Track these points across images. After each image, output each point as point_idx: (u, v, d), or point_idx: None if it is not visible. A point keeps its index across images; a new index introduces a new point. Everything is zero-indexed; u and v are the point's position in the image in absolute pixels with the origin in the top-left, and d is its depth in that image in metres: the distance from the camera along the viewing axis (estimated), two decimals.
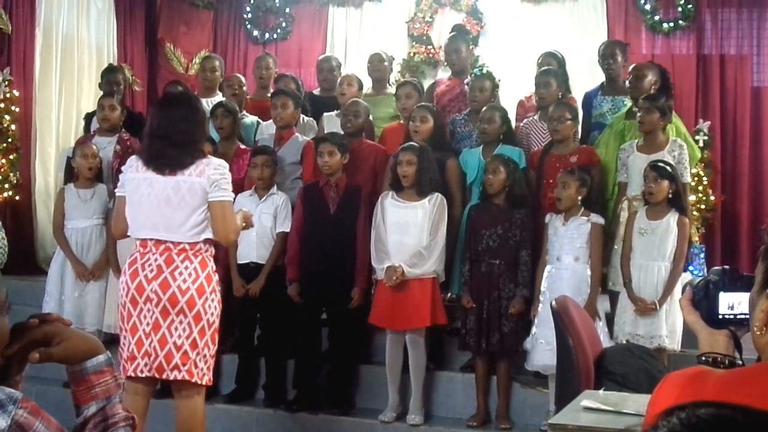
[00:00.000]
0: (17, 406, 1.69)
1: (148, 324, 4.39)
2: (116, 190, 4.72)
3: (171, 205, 4.40)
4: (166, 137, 4.43)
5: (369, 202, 6.03)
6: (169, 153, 4.40)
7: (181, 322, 4.37)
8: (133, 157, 4.65)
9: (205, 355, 4.45)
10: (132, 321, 4.43)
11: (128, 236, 4.58)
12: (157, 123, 4.51)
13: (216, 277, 4.53)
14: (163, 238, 4.41)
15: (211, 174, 4.40)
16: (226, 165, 4.61)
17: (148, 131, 4.63)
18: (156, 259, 4.40)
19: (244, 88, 7.69)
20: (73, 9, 8.98)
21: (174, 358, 4.37)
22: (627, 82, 6.39)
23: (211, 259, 4.53)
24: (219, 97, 7.78)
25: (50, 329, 1.88)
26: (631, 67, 6.46)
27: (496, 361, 5.83)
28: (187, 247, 4.41)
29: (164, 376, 4.43)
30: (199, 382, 4.46)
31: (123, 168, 4.69)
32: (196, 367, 4.42)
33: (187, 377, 4.41)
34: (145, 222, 4.45)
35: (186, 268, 4.38)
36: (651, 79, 6.20)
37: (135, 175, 4.49)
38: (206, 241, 4.48)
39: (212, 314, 4.45)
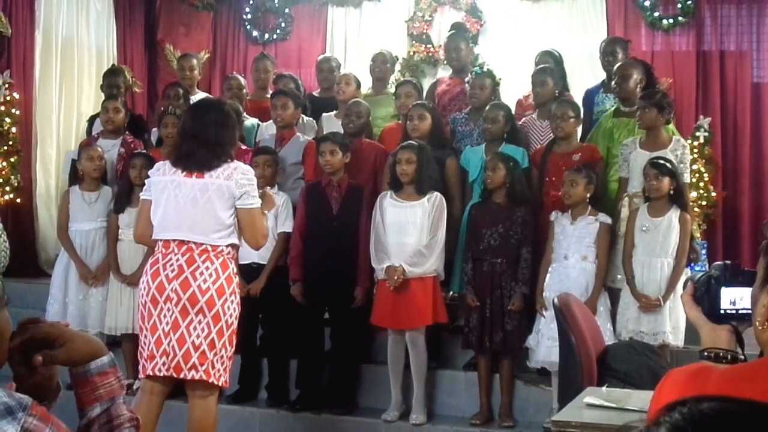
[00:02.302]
0: (27, 412, 1.67)
1: (167, 323, 4.41)
2: (141, 194, 4.75)
3: (197, 206, 4.45)
4: (196, 137, 4.52)
5: (371, 202, 6.02)
6: (199, 153, 4.49)
7: (200, 322, 4.39)
8: (160, 162, 4.73)
9: (222, 356, 4.47)
10: (152, 320, 4.45)
11: (150, 239, 4.61)
12: (189, 124, 4.63)
13: (236, 280, 4.57)
14: (186, 238, 4.45)
15: (239, 179, 4.47)
16: (253, 171, 4.69)
17: (180, 132, 4.80)
18: (177, 259, 4.43)
19: (244, 90, 7.70)
20: (73, 11, 8.98)
21: (192, 357, 4.39)
22: (613, 83, 6.37)
23: (233, 262, 4.56)
24: (199, 95, 7.79)
25: (52, 330, 1.87)
26: (615, 67, 6.43)
27: (499, 359, 5.83)
28: (209, 248, 4.45)
29: (182, 376, 4.44)
30: (216, 382, 4.48)
31: (149, 172, 4.75)
32: (213, 367, 4.43)
33: (204, 377, 4.43)
34: (170, 223, 4.49)
35: (207, 268, 4.42)
36: (636, 78, 6.19)
37: (162, 177, 4.55)
38: (229, 245, 4.52)
39: (231, 315, 4.48)
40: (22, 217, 8.29)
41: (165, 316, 4.42)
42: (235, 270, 4.59)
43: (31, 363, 1.83)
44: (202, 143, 4.49)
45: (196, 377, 4.43)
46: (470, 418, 5.83)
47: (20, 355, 1.84)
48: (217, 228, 4.47)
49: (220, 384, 4.52)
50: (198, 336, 4.40)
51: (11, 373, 1.87)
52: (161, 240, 4.52)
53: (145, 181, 4.81)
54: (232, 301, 4.49)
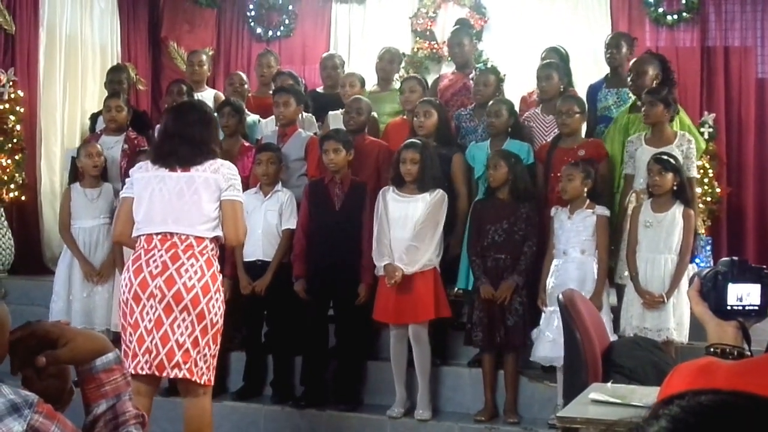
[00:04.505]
0: (33, 410, 1.67)
1: (150, 321, 4.36)
2: (122, 193, 4.71)
3: (183, 198, 4.42)
4: (178, 136, 4.49)
5: (373, 198, 6.02)
6: (181, 151, 4.46)
7: (184, 320, 4.34)
8: (142, 161, 4.68)
9: (205, 355, 4.41)
10: (134, 317, 4.40)
11: (130, 238, 4.55)
12: (171, 124, 4.60)
13: (221, 278, 4.53)
14: (171, 230, 4.40)
15: (225, 172, 4.47)
16: (236, 169, 4.67)
17: (162, 132, 4.74)
18: (161, 255, 4.38)
19: (246, 86, 7.70)
20: (77, 9, 8.99)
21: (175, 355, 4.34)
22: (629, 78, 6.37)
23: (216, 259, 4.52)
24: (208, 91, 7.85)
25: (54, 329, 1.86)
26: (631, 63, 6.44)
27: (503, 355, 5.83)
28: (194, 243, 4.40)
29: (164, 374, 4.41)
30: (198, 381, 4.42)
31: (130, 171, 4.71)
32: (196, 365, 4.39)
33: (187, 375, 4.39)
34: (155, 217, 4.44)
35: (192, 265, 4.37)
36: (652, 74, 6.19)
37: (145, 174, 4.51)
38: (213, 239, 4.48)
39: (216, 314, 4.43)
40: (26, 214, 8.31)
41: (147, 313, 4.36)
42: (219, 268, 4.54)
43: (35, 365, 1.82)
44: (186, 141, 4.47)
45: (179, 375, 4.40)
46: (475, 414, 5.82)
47: (24, 356, 1.83)
48: (203, 220, 4.42)
49: (203, 382, 4.46)
50: (182, 334, 4.34)
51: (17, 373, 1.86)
52: (143, 235, 4.46)
53: (126, 180, 4.77)
54: (217, 299, 4.43)
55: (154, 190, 4.45)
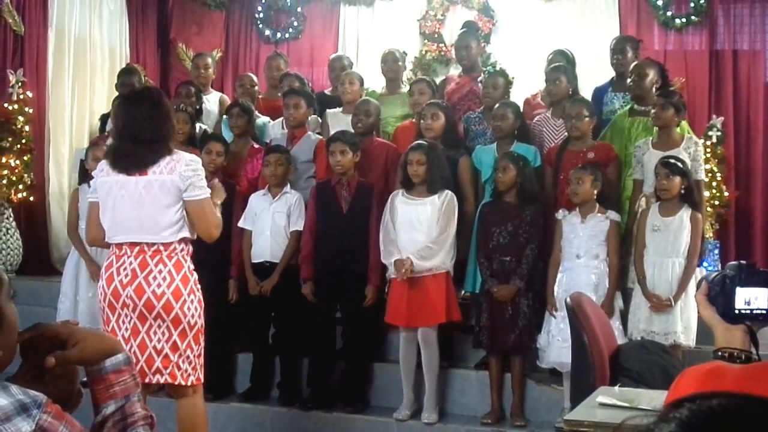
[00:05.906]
0: (41, 410, 1.67)
1: (126, 329, 4.33)
2: (88, 196, 4.68)
3: (143, 205, 4.34)
4: (132, 137, 4.36)
5: (381, 201, 6.02)
6: (136, 152, 4.33)
7: (159, 327, 4.31)
8: (103, 161, 4.59)
9: (188, 357, 4.38)
10: (111, 326, 4.37)
11: (104, 241, 4.52)
12: (122, 123, 4.44)
13: (194, 277, 4.43)
14: (137, 240, 4.35)
15: (182, 171, 4.33)
16: (199, 160, 4.54)
17: (114, 132, 4.60)
18: (131, 263, 4.34)
19: (256, 88, 7.71)
20: (86, 10, 9.01)
21: (155, 362, 4.32)
22: (629, 80, 6.37)
23: (188, 259, 4.44)
24: (213, 94, 7.85)
25: (63, 330, 1.86)
26: (632, 66, 6.44)
27: (510, 358, 5.82)
28: (162, 248, 4.35)
29: (146, 380, 4.34)
30: (183, 383, 4.40)
31: (93, 173, 4.65)
32: (178, 369, 4.36)
33: (170, 380, 4.37)
34: (120, 226, 4.39)
35: (160, 272, 4.31)
36: (652, 78, 6.21)
37: (106, 178, 4.43)
38: (182, 240, 4.41)
39: (192, 316, 4.37)
40: (34, 215, 8.33)
41: (123, 322, 4.34)
42: (192, 267, 4.46)
43: (44, 366, 1.82)
44: (138, 142, 4.33)
45: (161, 381, 4.38)
46: (482, 417, 5.82)
47: (33, 357, 1.83)
48: (166, 224, 4.35)
49: (189, 384, 4.42)
50: (159, 340, 4.31)
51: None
52: (114, 243, 4.43)
53: (90, 182, 4.73)
54: (191, 301, 4.37)
55: (117, 198, 4.39)
